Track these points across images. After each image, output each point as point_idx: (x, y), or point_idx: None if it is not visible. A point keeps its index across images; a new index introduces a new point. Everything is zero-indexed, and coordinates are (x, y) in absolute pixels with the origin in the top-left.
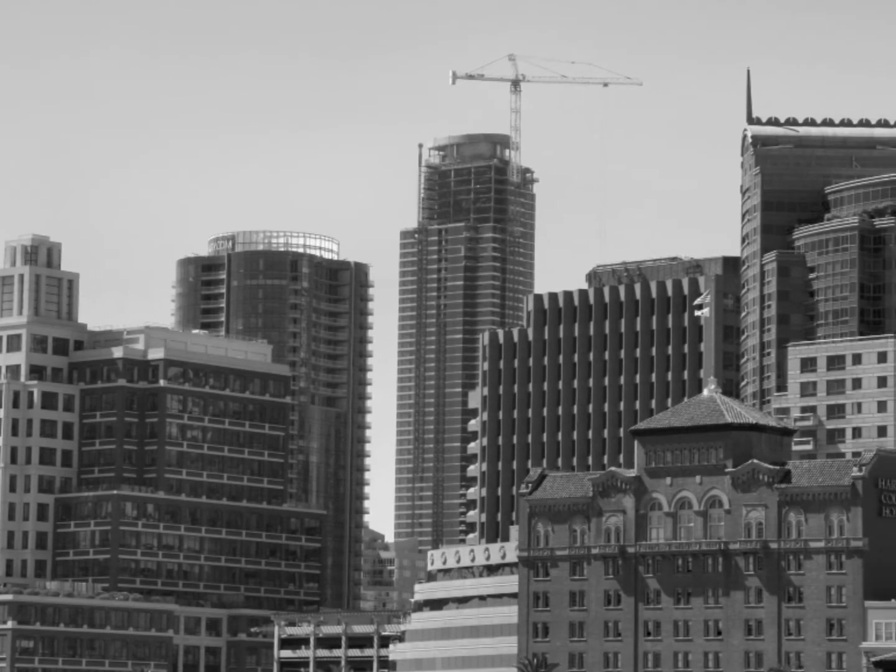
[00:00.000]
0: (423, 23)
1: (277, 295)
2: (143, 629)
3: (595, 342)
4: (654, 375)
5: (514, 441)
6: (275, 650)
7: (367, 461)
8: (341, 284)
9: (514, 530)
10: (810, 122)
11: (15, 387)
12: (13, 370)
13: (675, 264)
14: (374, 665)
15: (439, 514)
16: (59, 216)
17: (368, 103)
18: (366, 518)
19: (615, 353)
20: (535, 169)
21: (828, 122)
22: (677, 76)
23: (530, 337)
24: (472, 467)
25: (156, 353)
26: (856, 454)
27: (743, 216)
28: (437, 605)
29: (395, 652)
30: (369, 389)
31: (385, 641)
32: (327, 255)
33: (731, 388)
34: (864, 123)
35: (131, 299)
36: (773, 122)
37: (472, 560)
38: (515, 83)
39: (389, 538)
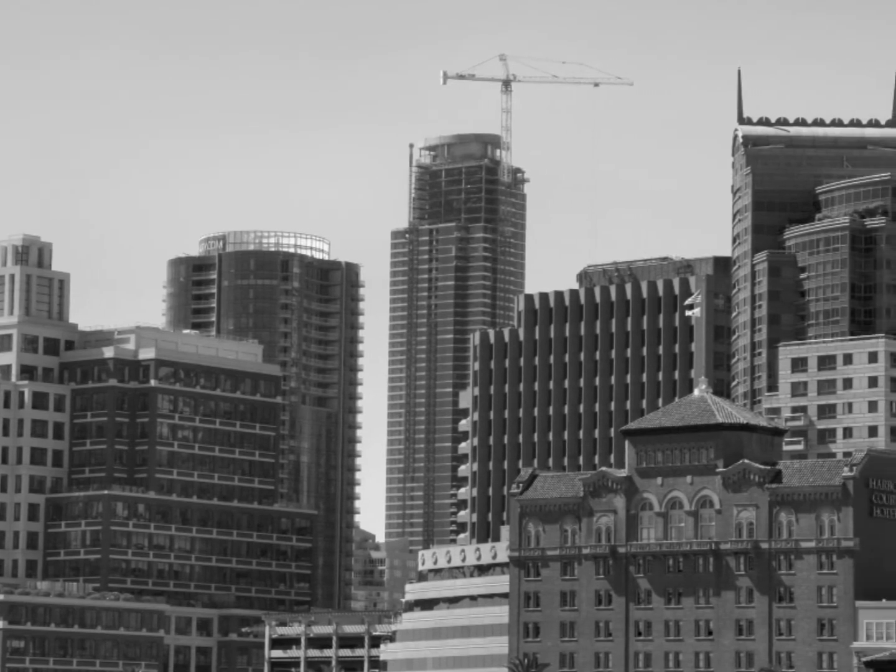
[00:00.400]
0: (413, 23)
1: (268, 295)
2: (134, 629)
3: (586, 342)
4: (644, 375)
5: (505, 441)
6: (266, 650)
7: (358, 461)
8: (332, 284)
9: (504, 530)
10: (801, 122)
11: (6, 387)
12: (4, 370)
13: (666, 264)
14: (365, 665)
15: (430, 514)
16: (51, 216)
17: (359, 103)
18: (357, 518)
19: (606, 353)
20: (526, 169)
21: (819, 122)
22: (668, 76)
23: (521, 337)
24: (462, 467)
25: (146, 353)
26: (847, 454)
27: (734, 216)
28: (427, 605)
29: (385, 652)
30: (360, 389)
31: (376, 641)
32: (318, 255)
33: (721, 388)
34: (855, 123)
35: (122, 299)
36: (764, 122)
37: (463, 560)
38: (506, 83)
39: (380, 538)
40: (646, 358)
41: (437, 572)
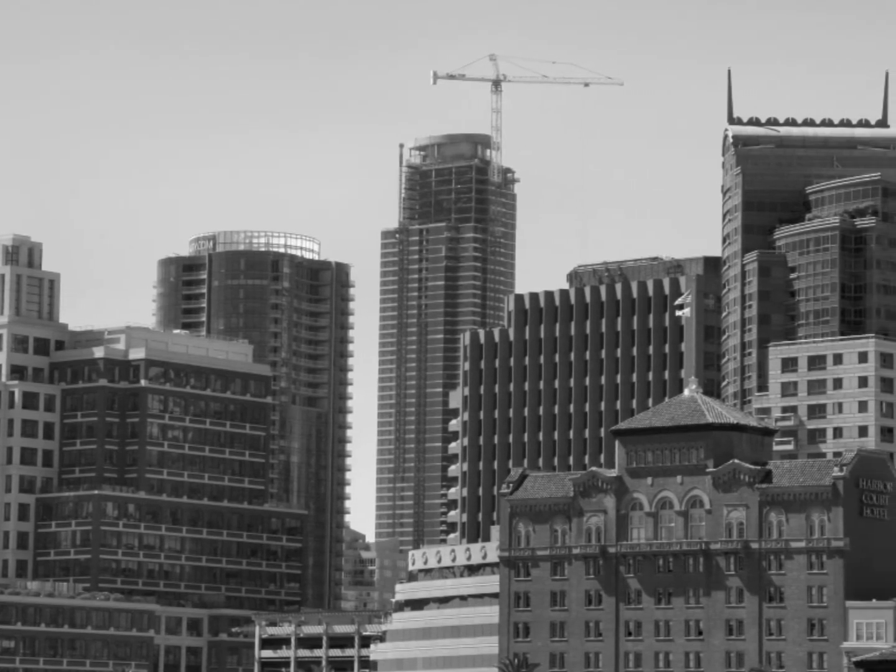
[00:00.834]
0: (403, 23)
1: (258, 295)
2: (124, 629)
3: (576, 342)
4: (634, 375)
5: (495, 441)
6: (256, 650)
7: (348, 461)
8: (322, 284)
9: (494, 530)
10: (791, 122)
11: None
12: None
13: (656, 264)
14: (356, 665)
15: (420, 514)
16: (41, 216)
17: (349, 103)
18: (347, 518)
19: (596, 353)
20: (516, 169)
21: (809, 122)
22: (658, 76)
23: (511, 337)
24: (452, 467)
25: (137, 353)
26: (837, 454)
27: (724, 216)
28: (418, 605)
29: (376, 652)
30: (350, 389)
31: (366, 641)
32: (308, 255)
33: (712, 388)
34: (845, 123)
35: (112, 299)
36: (754, 122)
37: (453, 560)
38: (496, 83)
39: (370, 538)
40: (636, 358)
41: (427, 572)
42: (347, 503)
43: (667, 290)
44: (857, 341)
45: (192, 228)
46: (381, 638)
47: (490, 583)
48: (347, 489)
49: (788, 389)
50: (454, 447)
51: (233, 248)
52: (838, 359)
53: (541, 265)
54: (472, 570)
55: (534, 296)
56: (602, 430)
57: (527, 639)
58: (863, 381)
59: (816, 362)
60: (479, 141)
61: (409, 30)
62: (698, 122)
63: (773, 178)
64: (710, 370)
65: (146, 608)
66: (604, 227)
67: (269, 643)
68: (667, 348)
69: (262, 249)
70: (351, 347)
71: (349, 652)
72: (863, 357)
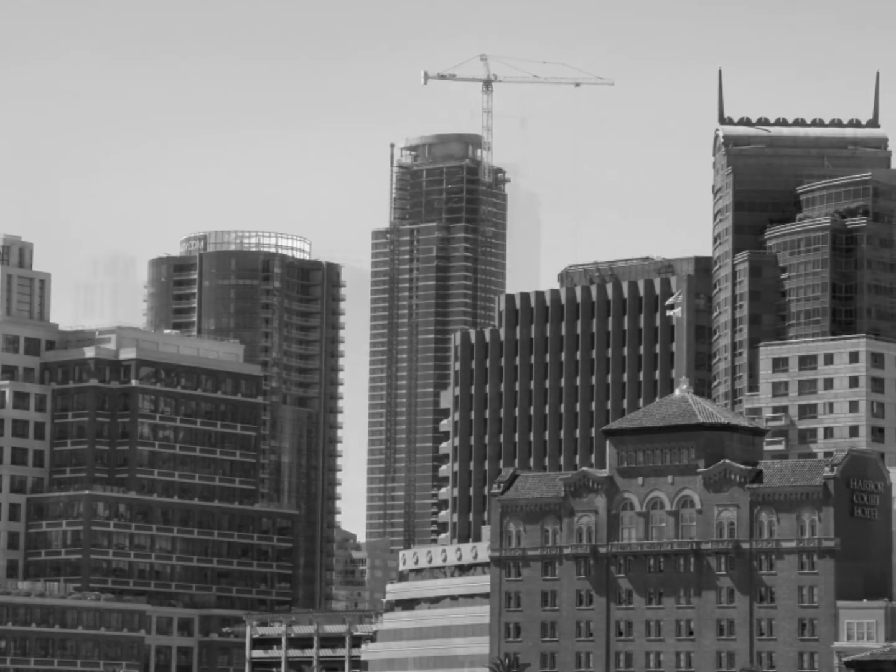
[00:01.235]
0: (395, 24)
1: (249, 295)
2: (115, 629)
3: (567, 342)
4: (625, 375)
5: (486, 441)
6: (247, 650)
7: (339, 461)
8: (313, 284)
9: (485, 530)
10: (782, 122)
11: None
12: None
13: (647, 264)
14: (346, 665)
15: (411, 514)
16: (32, 216)
17: (340, 104)
18: (337, 518)
19: (587, 353)
20: (507, 169)
21: (800, 123)
22: (649, 76)
23: (502, 337)
24: (443, 467)
25: (127, 353)
26: (828, 454)
27: (715, 216)
28: (408, 605)
29: (366, 652)
30: (341, 389)
31: (357, 641)
32: (299, 255)
33: (702, 388)
34: (836, 124)
35: (103, 299)
36: (745, 122)
37: (444, 560)
38: (487, 83)
39: (361, 538)
40: (627, 358)
41: (418, 572)
42: (338, 503)
43: (658, 291)
44: (847, 341)
45: (183, 228)
46: (372, 638)
47: (481, 583)
48: (338, 489)
49: (779, 389)
50: (445, 447)
51: (223, 249)
52: (829, 359)
53: (532, 265)
54: (463, 570)
55: (525, 296)
56: (593, 430)
57: (518, 639)
58: (854, 381)
59: (807, 362)
60: (470, 141)
61: (400, 31)
62: (689, 122)
63: (763, 178)
64: (701, 370)
65: (137, 608)
66: (594, 227)
67: (259, 643)
68: (657, 348)
69: (253, 249)
70: (342, 347)
71: (340, 652)
72: (854, 357)
